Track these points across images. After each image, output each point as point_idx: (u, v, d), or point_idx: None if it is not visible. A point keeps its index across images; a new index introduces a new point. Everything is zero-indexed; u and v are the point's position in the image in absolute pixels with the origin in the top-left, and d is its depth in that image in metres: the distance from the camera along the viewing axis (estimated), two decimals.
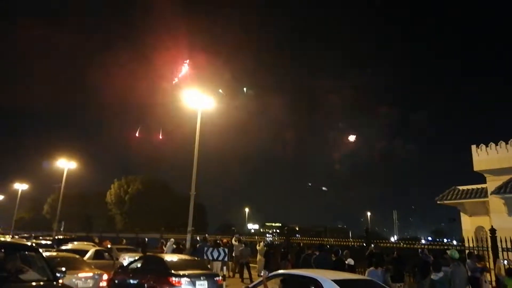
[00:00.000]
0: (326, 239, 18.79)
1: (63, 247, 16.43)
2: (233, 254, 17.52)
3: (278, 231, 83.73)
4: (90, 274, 9.97)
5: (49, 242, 21.42)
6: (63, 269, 6.53)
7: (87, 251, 14.43)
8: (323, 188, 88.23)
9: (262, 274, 7.84)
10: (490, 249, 12.08)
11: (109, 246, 20.20)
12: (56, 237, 27.91)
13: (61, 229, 40.16)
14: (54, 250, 15.36)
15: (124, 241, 25.39)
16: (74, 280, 9.21)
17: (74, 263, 10.14)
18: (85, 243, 20.25)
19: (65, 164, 35.98)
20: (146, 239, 26.75)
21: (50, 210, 56.50)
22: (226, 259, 14.44)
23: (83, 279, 9.65)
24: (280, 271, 8.48)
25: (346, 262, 11.50)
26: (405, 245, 15.97)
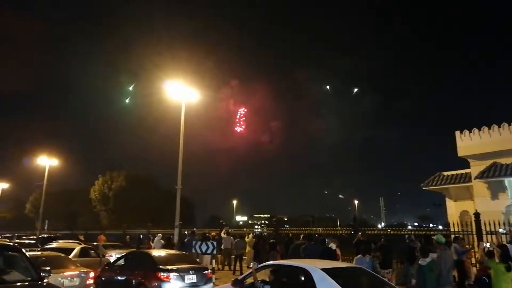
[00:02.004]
0: (314, 228, 18.90)
1: (48, 246, 16.10)
2: (222, 247, 17.50)
3: (266, 222, 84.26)
4: (76, 272, 9.79)
5: (33, 241, 20.96)
6: (48, 268, 6.38)
7: (72, 249, 14.15)
8: (340, 196, 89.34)
9: (251, 265, 7.80)
10: (474, 232, 12.33)
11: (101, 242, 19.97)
12: (40, 236, 27.37)
13: (45, 228, 39.47)
14: (38, 249, 15.03)
15: (128, 237, 24.91)
16: (60, 279, 9.03)
17: (59, 262, 9.93)
18: (70, 241, 19.90)
19: (47, 161, 35.24)
20: (141, 235, 26.43)
21: (33, 208, 55.38)
22: (214, 252, 14.40)
23: (69, 278, 9.47)
24: (269, 262, 8.46)
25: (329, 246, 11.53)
26: (392, 232, 16.18)
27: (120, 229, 30.66)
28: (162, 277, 9.32)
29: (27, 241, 20.96)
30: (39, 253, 11.58)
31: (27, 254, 7.30)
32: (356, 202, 79.34)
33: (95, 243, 19.84)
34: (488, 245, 10.80)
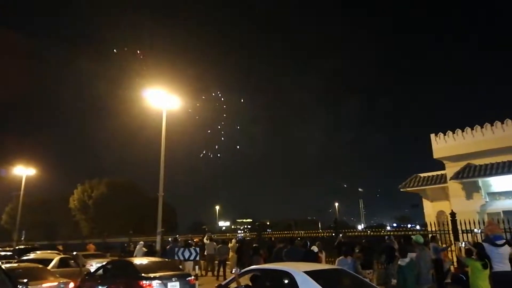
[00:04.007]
0: (296, 232, 19.03)
1: (25, 257, 15.66)
2: (205, 253, 17.42)
3: (249, 226, 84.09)
4: (55, 284, 9.57)
5: (9, 253, 20.33)
6: (25, 280, 6.26)
7: (51, 260, 13.81)
8: (360, 189, 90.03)
9: (233, 271, 7.82)
10: (451, 232, 12.68)
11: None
12: (17, 247, 26.55)
13: (22, 239, 38.32)
14: (15, 261, 14.61)
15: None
16: None
17: (37, 273, 9.68)
18: (49, 251, 19.40)
19: (23, 171, 34.31)
20: (126, 244, 25.98)
21: (9, 219, 53.66)
22: (197, 258, 14.33)
23: None
24: (252, 267, 8.49)
25: (311, 249, 11.67)
26: (372, 233, 16.46)
27: (100, 238, 30.09)
28: (144, 285, 9.21)
29: (3, 253, 20.33)
30: (16, 264, 11.26)
31: (3, 266, 7.13)
32: (336, 204, 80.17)
33: (74, 253, 19.41)
34: (463, 244, 11.14)
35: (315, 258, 10.66)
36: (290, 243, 11.65)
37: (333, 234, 16.11)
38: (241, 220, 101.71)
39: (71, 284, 9.97)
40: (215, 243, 18.17)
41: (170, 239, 20.15)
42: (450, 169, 17.26)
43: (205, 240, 18.81)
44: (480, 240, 10.55)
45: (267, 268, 7.66)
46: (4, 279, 5.99)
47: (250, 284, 7.23)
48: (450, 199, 17.30)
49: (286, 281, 6.48)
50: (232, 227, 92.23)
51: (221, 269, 16.53)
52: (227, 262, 16.88)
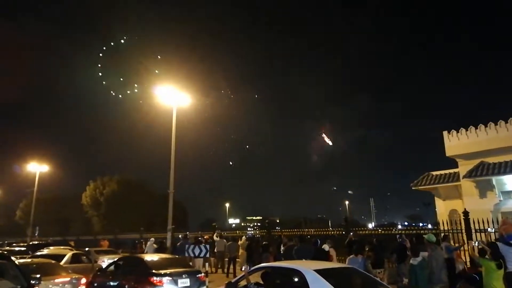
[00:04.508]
0: (306, 230, 18.97)
1: (39, 253, 15.91)
2: (215, 250, 17.48)
3: (259, 224, 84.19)
4: (68, 279, 9.69)
5: (23, 249, 20.67)
6: (38, 275, 6.31)
7: (64, 256, 14.01)
8: (349, 192, 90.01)
9: (243, 269, 7.83)
10: (463, 231, 12.49)
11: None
12: (31, 243, 27.01)
13: (36, 234, 38.96)
14: (29, 256, 14.85)
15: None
16: (50, 286, 8.95)
17: (50, 269, 9.84)
18: (62, 247, 19.68)
19: (37, 168, 34.85)
20: (137, 241, 26.19)
21: (23, 215, 54.62)
22: (207, 255, 14.37)
23: (60, 285, 9.37)
24: (262, 265, 8.48)
25: (322, 247, 11.60)
26: (382, 232, 16.31)
27: (112, 234, 30.42)
28: (155, 281, 9.28)
29: (17, 249, 20.68)
30: (29, 260, 11.44)
31: (17, 261, 7.24)
32: (347, 203, 79.80)
33: (86, 249, 19.65)
34: (477, 243, 10.97)
35: (326, 257, 10.60)
36: (300, 241, 11.60)
37: (344, 233, 16.01)
38: (251, 217, 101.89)
39: (83, 280, 10.09)
40: (225, 240, 18.23)
41: (180, 236, 20.28)
42: (463, 167, 17.00)
43: (215, 237, 18.88)
44: (494, 240, 10.37)
45: (277, 266, 7.64)
46: (18, 274, 6.08)
47: (260, 281, 7.22)
48: (463, 198, 17.05)
49: (296, 279, 6.45)
50: (242, 224, 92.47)
51: (231, 266, 16.57)
52: (237, 259, 16.92)
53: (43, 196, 48.33)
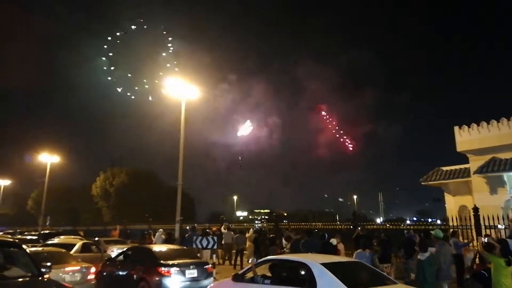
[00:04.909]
0: (314, 223, 18.99)
1: (49, 242, 16.19)
2: (223, 242, 17.60)
3: (266, 217, 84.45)
4: (77, 268, 9.84)
5: (35, 237, 21.07)
6: (49, 264, 6.41)
7: (74, 245, 14.25)
8: (340, 199, 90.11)
9: (250, 261, 7.87)
10: (473, 227, 12.38)
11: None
12: (42, 232, 27.51)
13: (47, 224, 39.63)
14: (40, 245, 15.12)
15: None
16: (61, 274, 9.07)
17: (60, 258, 9.99)
18: (72, 237, 20.01)
19: (48, 158, 35.33)
20: (146, 232, 26.48)
21: (35, 205, 55.61)
22: (215, 247, 14.48)
23: (70, 273, 9.52)
24: (269, 257, 8.52)
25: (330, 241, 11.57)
26: (391, 226, 16.26)
27: (121, 225, 30.79)
28: (163, 272, 9.39)
29: (29, 237, 21.09)
30: (40, 249, 11.65)
31: (29, 250, 7.38)
32: (355, 197, 79.49)
33: (96, 239, 19.95)
34: (486, 239, 10.86)
35: (333, 251, 10.59)
36: (308, 235, 11.61)
37: (352, 227, 15.99)
38: (259, 210, 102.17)
39: (93, 269, 10.24)
40: (232, 233, 18.34)
41: (188, 227, 20.44)
42: (474, 163, 16.81)
43: (222, 230, 19.00)
44: (504, 236, 10.27)
45: (284, 259, 7.67)
46: (29, 262, 6.19)
47: (267, 273, 7.26)
48: (473, 194, 16.88)
49: (302, 272, 6.47)
50: (250, 217, 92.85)
51: (238, 258, 16.68)
52: (244, 252, 17.02)
53: (54, 186, 48.97)
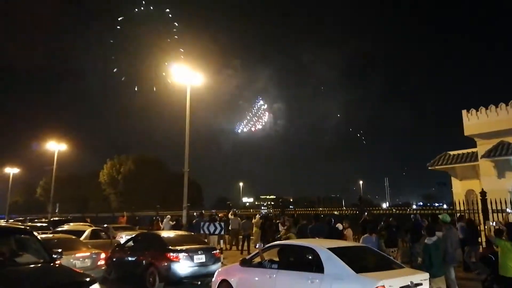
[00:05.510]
0: (320, 209, 19.06)
1: (59, 229, 16.44)
2: (229, 228, 17.76)
3: (273, 203, 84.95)
4: (88, 254, 9.99)
5: (45, 224, 21.40)
6: (60, 250, 6.51)
7: (83, 232, 14.45)
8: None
9: (257, 246, 7.93)
10: (480, 211, 12.34)
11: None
12: (52, 219, 27.94)
13: (56, 211, 40.20)
14: (50, 232, 15.36)
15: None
16: (71, 260, 9.23)
17: (71, 244, 10.12)
18: (81, 223, 20.29)
19: (56, 146, 35.61)
20: (154, 218, 26.79)
21: (44, 192, 56.35)
22: (222, 232, 14.63)
23: (80, 259, 9.68)
24: (276, 242, 8.59)
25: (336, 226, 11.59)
26: (397, 211, 16.26)
27: (129, 212, 31.15)
28: (171, 257, 9.52)
29: (39, 224, 21.42)
30: (51, 235, 11.83)
31: (39, 236, 7.49)
32: (361, 182, 79.54)
33: (105, 225, 20.21)
34: (494, 223, 10.84)
35: (339, 236, 10.65)
36: (315, 220, 11.66)
37: (357, 212, 16.03)
38: (265, 196, 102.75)
39: (103, 255, 10.39)
40: (239, 219, 18.49)
41: (195, 213, 20.63)
42: (482, 147, 16.63)
43: (229, 216, 19.16)
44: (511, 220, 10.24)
45: (291, 244, 7.73)
46: (40, 248, 6.29)
47: (275, 258, 7.33)
48: (480, 178, 16.76)
49: (310, 257, 6.53)
50: (256, 203, 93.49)
51: (245, 244, 16.85)
52: (251, 237, 17.18)
53: (62, 174, 49.56)
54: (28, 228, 8.13)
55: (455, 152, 18.98)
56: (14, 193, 60.69)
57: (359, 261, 6.32)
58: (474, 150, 17.70)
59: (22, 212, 50.83)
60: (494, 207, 11.87)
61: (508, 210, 11.76)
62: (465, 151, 18.52)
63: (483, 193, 12.35)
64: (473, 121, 17.01)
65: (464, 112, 17.39)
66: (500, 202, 11.77)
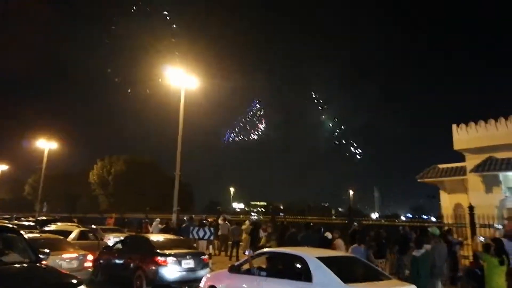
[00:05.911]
0: (310, 217, 19.08)
1: (47, 228, 16.23)
2: (219, 233, 17.69)
3: (263, 209, 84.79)
4: (75, 255, 9.88)
5: (32, 224, 21.10)
6: (47, 250, 6.43)
7: (71, 232, 14.29)
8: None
9: (246, 253, 7.93)
10: (468, 225, 12.48)
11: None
12: (39, 218, 27.56)
13: (44, 210, 39.66)
14: (37, 231, 15.15)
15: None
16: (58, 261, 9.10)
17: (58, 244, 10.00)
18: (69, 223, 20.05)
19: (46, 145, 35.24)
20: (143, 220, 26.57)
21: (32, 191, 55.54)
22: (211, 238, 14.56)
23: (67, 260, 9.56)
24: (265, 250, 8.59)
25: (325, 235, 11.63)
26: (386, 223, 16.37)
27: (118, 213, 30.88)
28: (159, 261, 9.46)
29: (26, 223, 21.10)
30: (38, 235, 11.68)
31: (26, 236, 7.39)
32: (351, 192, 79.78)
33: (93, 226, 19.99)
34: (482, 238, 10.96)
35: (328, 245, 10.69)
36: (305, 229, 11.68)
37: (347, 222, 16.09)
38: (255, 203, 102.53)
39: (90, 256, 10.27)
40: (229, 224, 18.42)
41: (185, 218, 20.52)
42: (471, 162, 16.85)
43: (219, 221, 19.08)
44: (498, 236, 10.36)
45: (280, 252, 7.74)
46: (27, 248, 6.21)
47: (263, 265, 7.33)
48: (468, 192, 16.96)
49: (298, 266, 6.55)
50: (246, 209, 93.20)
51: (234, 250, 16.79)
52: (240, 244, 17.12)
53: (51, 172, 48.90)
54: (15, 227, 8.02)
55: (444, 166, 19.20)
56: (1, 191, 59.75)
57: (348, 271, 6.36)
58: (463, 164, 17.93)
59: (8, 210, 49.98)
60: (481, 222, 12.02)
61: (496, 225, 11.91)
62: (454, 165, 18.74)
63: (471, 208, 12.49)
64: (463, 136, 17.25)
65: (454, 126, 17.63)
66: (488, 217, 11.93)
